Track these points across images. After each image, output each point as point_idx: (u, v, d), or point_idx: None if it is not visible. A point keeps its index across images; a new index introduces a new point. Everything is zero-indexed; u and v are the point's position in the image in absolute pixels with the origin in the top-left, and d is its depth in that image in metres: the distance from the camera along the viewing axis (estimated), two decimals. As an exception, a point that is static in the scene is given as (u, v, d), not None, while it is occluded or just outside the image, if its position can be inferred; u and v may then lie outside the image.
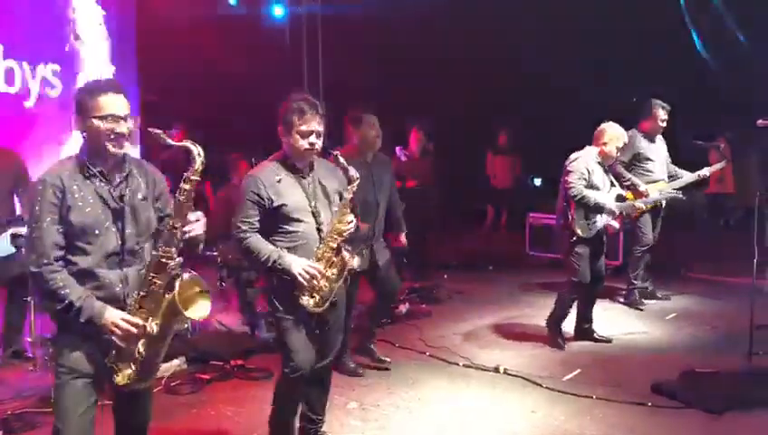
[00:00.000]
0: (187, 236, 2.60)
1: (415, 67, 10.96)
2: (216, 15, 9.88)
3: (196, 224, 2.64)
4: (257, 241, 3.27)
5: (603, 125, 5.33)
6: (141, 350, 2.58)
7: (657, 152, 6.55)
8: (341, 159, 3.33)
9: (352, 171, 3.34)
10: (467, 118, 11.09)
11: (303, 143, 3.25)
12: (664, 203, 6.54)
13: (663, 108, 6.49)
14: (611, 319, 6.26)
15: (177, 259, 2.58)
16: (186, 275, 2.61)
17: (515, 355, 5.31)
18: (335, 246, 3.30)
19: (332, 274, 3.32)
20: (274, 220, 3.30)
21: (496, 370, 4.94)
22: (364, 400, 4.47)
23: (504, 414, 4.26)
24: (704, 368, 4.71)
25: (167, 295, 2.57)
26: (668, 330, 5.97)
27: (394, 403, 4.43)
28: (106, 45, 7.33)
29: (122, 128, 2.57)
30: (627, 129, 6.08)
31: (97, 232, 2.56)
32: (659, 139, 6.62)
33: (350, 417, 4.22)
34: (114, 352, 2.59)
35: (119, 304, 2.60)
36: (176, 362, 4.97)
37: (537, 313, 6.58)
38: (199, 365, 5.00)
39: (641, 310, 6.57)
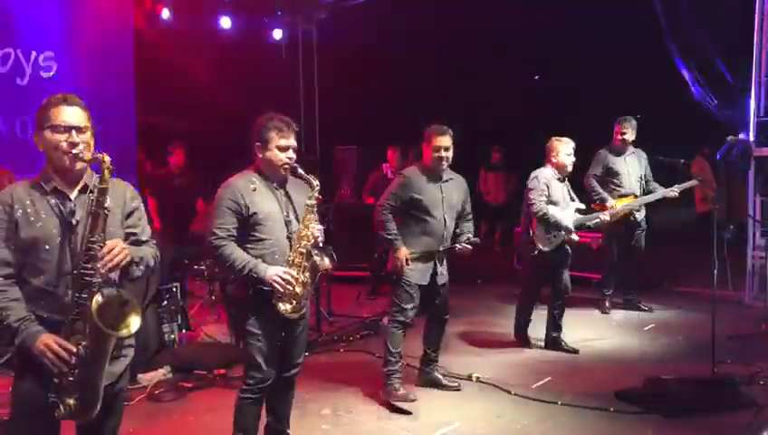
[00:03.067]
0: (103, 269, 2.46)
1: (410, 86, 11.20)
2: (213, 37, 10.16)
3: (110, 255, 2.46)
4: (233, 249, 3.37)
5: (550, 141, 5.61)
6: (75, 377, 2.46)
7: (627, 167, 6.71)
8: (301, 170, 3.49)
9: (314, 180, 3.51)
10: (462, 135, 11.29)
11: (282, 157, 3.42)
12: (640, 217, 6.71)
13: (623, 121, 6.67)
14: (590, 329, 6.43)
15: (99, 277, 2.46)
16: (105, 292, 2.49)
17: (490, 364, 5.48)
18: (305, 251, 3.45)
19: (306, 277, 3.48)
20: (247, 228, 3.41)
21: (470, 377, 5.11)
22: (338, 406, 4.65)
23: (469, 419, 4.42)
24: (668, 376, 4.86)
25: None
26: (643, 340, 6.13)
27: (367, 410, 4.61)
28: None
29: (75, 138, 2.52)
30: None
31: (47, 247, 2.49)
32: (632, 154, 6.78)
33: (321, 422, 4.40)
34: (54, 384, 2.47)
35: None
36: (161, 371, 5.18)
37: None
38: (183, 374, 5.19)
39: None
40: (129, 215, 2.72)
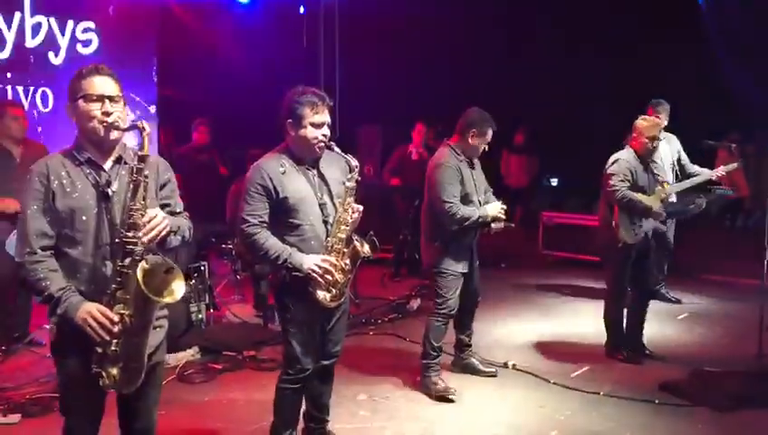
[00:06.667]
0: (145, 238, 2.44)
1: (432, 62, 10.97)
2: (233, 9, 9.95)
3: (153, 222, 2.46)
4: (266, 237, 3.18)
5: (637, 120, 5.09)
6: (119, 346, 2.42)
7: (660, 154, 6.22)
8: (337, 149, 3.28)
9: (353, 160, 3.30)
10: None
11: (317, 134, 3.19)
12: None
13: (658, 106, 6.32)
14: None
15: (141, 245, 2.42)
16: (149, 259, 2.45)
17: (525, 352, 5.35)
18: (344, 236, 3.26)
19: (345, 264, 3.30)
20: (280, 213, 3.22)
21: (505, 365, 4.98)
22: (374, 391, 4.54)
23: (512, 408, 4.31)
24: (712, 367, 4.74)
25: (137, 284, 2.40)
26: (679, 330, 5.98)
27: (403, 395, 4.50)
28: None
29: (109, 107, 2.48)
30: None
31: (84, 218, 2.46)
32: (662, 140, 6.23)
33: (359, 408, 4.29)
34: (97, 354, 2.43)
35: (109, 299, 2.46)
36: (189, 351, 5.07)
37: (548, 311, 6.66)
38: (212, 355, 5.09)
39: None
40: (162, 186, 2.70)
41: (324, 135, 3.22)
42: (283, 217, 3.23)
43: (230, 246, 6.16)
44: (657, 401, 4.32)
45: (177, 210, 2.74)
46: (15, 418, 3.96)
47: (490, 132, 4.48)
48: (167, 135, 8.25)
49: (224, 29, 9.90)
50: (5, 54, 6.04)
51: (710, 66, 10.13)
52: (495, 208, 4.45)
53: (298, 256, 3.17)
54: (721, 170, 6.18)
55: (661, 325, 6.07)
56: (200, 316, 5.47)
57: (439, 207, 4.35)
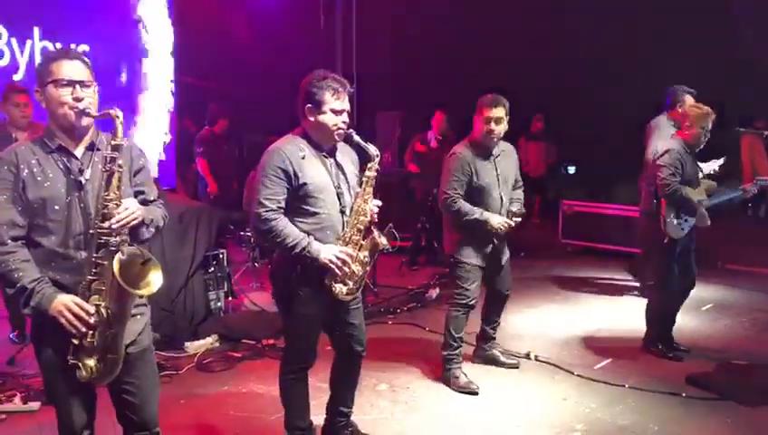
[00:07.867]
0: (115, 225, 2.36)
1: (451, 49, 10.83)
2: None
3: (124, 213, 2.38)
4: (285, 224, 3.07)
5: (687, 107, 4.93)
6: (95, 338, 2.38)
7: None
8: (357, 137, 3.20)
9: (372, 149, 3.21)
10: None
11: (337, 121, 3.10)
12: None
13: (692, 95, 5.94)
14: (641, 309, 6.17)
15: (117, 236, 2.37)
16: (125, 250, 2.39)
17: (546, 343, 5.27)
18: (362, 227, 3.18)
19: (364, 256, 3.21)
20: (296, 199, 3.11)
21: (527, 356, 4.91)
22: (395, 382, 4.48)
23: (534, 400, 4.24)
24: (740, 360, 4.64)
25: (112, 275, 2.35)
26: (704, 321, 5.87)
27: (424, 386, 4.45)
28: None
29: (80, 93, 2.40)
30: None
31: (57, 207, 2.39)
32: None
33: (379, 398, 4.24)
34: (73, 346, 2.39)
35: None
36: (208, 339, 5.04)
37: (569, 301, 6.57)
38: (231, 344, 5.06)
39: None
40: (136, 173, 2.62)
41: (344, 122, 3.14)
42: (299, 203, 3.13)
43: (248, 234, 6.12)
44: (684, 395, 4.24)
45: (151, 198, 2.67)
46: (35, 405, 3.94)
47: (489, 108, 4.25)
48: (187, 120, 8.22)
49: (239, 13, 9.84)
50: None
51: (735, 49, 9.94)
52: (497, 220, 4.31)
53: (316, 245, 3.08)
54: (714, 165, 5.63)
55: (685, 317, 5.92)
56: (219, 304, 5.44)
57: (440, 196, 4.39)
